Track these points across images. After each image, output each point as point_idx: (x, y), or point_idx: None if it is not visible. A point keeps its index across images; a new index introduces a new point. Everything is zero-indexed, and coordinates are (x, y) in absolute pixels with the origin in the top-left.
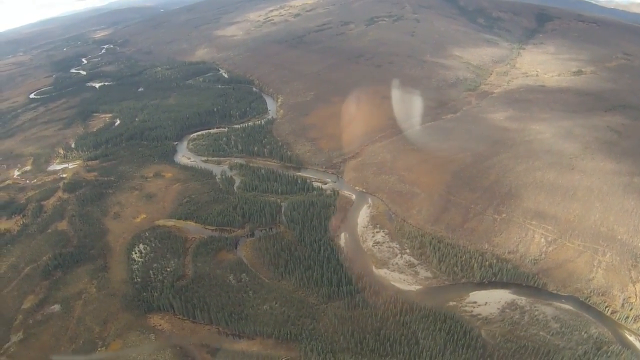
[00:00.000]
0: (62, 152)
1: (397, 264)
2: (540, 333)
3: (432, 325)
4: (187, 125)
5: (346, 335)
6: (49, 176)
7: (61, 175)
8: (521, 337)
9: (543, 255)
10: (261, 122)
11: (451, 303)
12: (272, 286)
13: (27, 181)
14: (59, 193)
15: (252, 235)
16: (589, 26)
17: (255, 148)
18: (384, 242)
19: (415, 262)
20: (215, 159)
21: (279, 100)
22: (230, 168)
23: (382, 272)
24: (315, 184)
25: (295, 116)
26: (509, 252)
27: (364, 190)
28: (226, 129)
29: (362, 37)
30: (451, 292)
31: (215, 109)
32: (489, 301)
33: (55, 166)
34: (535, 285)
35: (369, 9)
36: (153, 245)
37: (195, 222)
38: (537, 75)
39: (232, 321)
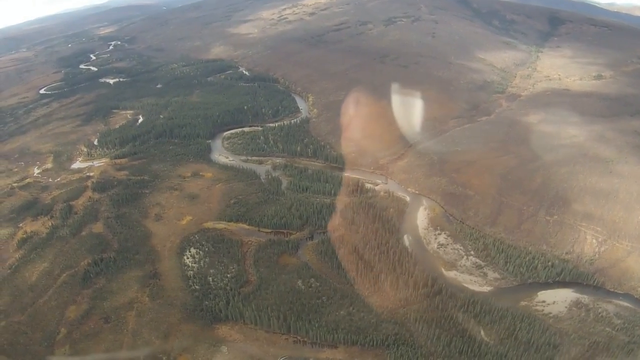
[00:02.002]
0: (85, 150)
1: (464, 265)
2: (606, 329)
3: (511, 325)
4: (219, 123)
5: (432, 338)
6: (74, 174)
7: (88, 174)
8: (590, 333)
9: (597, 256)
10: (296, 121)
11: (522, 303)
12: (345, 291)
13: (50, 179)
14: (89, 193)
15: (312, 238)
16: (601, 30)
17: (298, 148)
18: (447, 244)
19: (482, 263)
20: (256, 158)
21: (309, 100)
22: (274, 168)
23: (452, 274)
24: (368, 185)
25: (331, 116)
26: (566, 253)
27: (417, 192)
28: (261, 128)
29: (383, 37)
30: (520, 292)
31: (245, 107)
32: (556, 300)
33: (79, 164)
34: (595, 284)
35: (385, 9)
36: (206, 249)
37: (249, 225)
38: (559, 79)
39: (312, 329)
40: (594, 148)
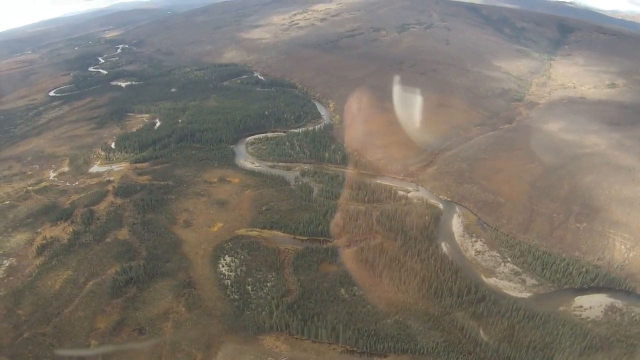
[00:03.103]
0: (102, 153)
1: (503, 272)
2: None
3: (554, 330)
4: (241, 128)
5: (480, 345)
6: (93, 178)
7: (108, 178)
8: (627, 336)
9: (626, 261)
10: (320, 127)
11: (561, 308)
12: (389, 299)
13: (67, 183)
14: (110, 197)
15: (349, 246)
16: (610, 38)
17: (326, 154)
18: (484, 251)
19: (520, 270)
20: (283, 164)
21: (330, 106)
22: (302, 174)
23: (492, 281)
24: (400, 193)
25: (355, 122)
26: (597, 259)
27: (449, 199)
28: (284, 134)
29: (397, 44)
30: (558, 298)
31: (266, 112)
32: (592, 305)
33: (98, 168)
34: (627, 289)
35: (396, 15)
36: (242, 257)
37: (283, 232)
38: (574, 87)
39: (362, 338)
40: (615, 156)
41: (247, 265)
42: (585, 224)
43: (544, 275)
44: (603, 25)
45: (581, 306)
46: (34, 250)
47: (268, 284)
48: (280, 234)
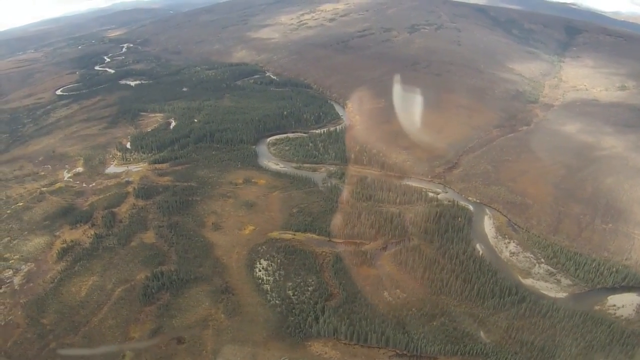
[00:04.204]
0: (118, 153)
1: (538, 273)
2: None
3: (592, 328)
4: (261, 128)
5: (527, 345)
6: (111, 179)
7: (126, 179)
8: None
9: None
10: (341, 127)
11: (596, 307)
12: (433, 301)
13: (84, 184)
14: (131, 199)
15: (385, 248)
16: (617, 40)
17: (352, 155)
18: (518, 253)
19: (554, 270)
20: (308, 165)
21: (348, 106)
22: (329, 176)
23: (529, 282)
24: (430, 194)
25: (376, 123)
26: (625, 259)
27: (478, 201)
28: (305, 134)
29: (409, 45)
30: (592, 297)
31: (284, 113)
32: (624, 304)
33: (114, 168)
34: None
35: (405, 15)
36: (278, 261)
37: (318, 235)
38: (586, 89)
39: (412, 341)
40: (632, 158)
41: (285, 269)
42: (610, 225)
43: (577, 276)
44: (608, 27)
45: (614, 305)
46: (54, 255)
47: (309, 288)
48: (315, 236)
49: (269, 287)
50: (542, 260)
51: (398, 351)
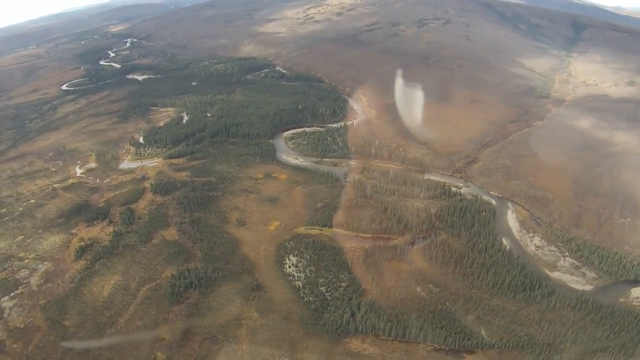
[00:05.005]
0: (131, 148)
1: (564, 266)
2: None
3: (620, 320)
4: (277, 122)
5: (560, 336)
6: (125, 175)
7: (142, 175)
8: None
9: None
10: (358, 122)
11: (621, 299)
12: (467, 295)
13: (98, 180)
14: (149, 195)
15: (413, 243)
16: (623, 35)
17: (372, 150)
18: (543, 246)
19: (578, 264)
20: (328, 159)
21: (363, 101)
22: (350, 170)
23: (556, 275)
24: (453, 189)
25: (392, 118)
26: None
27: (500, 195)
28: (322, 129)
29: (418, 39)
30: (616, 290)
31: (299, 107)
32: None
33: (129, 163)
34: None
35: (412, 10)
36: (308, 257)
37: (345, 230)
38: (596, 84)
39: (450, 336)
40: None
41: (315, 265)
42: (629, 219)
43: (601, 269)
44: (614, 23)
45: (638, 297)
46: (72, 254)
47: (342, 284)
48: (342, 231)
49: (300, 284)
50: (567, 253)
51: (436, 345)
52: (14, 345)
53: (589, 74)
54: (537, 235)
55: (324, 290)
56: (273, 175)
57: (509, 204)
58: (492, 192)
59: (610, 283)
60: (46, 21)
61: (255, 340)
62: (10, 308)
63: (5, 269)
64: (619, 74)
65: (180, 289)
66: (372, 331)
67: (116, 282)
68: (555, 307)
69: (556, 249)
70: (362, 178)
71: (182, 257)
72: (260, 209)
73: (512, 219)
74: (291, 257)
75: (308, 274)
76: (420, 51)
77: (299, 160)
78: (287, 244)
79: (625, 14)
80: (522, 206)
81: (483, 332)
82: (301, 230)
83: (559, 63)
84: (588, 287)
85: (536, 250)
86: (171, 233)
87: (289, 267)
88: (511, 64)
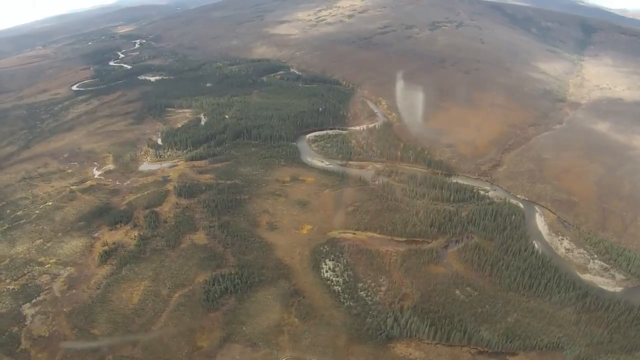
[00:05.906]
0: (150, 150)
1: (594, 268)
2: None
3: None
4: (299, 124)
5: (596, 337)
6: (146, 177)
7: (164, 177)
8: None
9: None
10: (380, 124)
11: None
12: (504, 298)
13: (117, 182)
14: (173, 198)
15: (447, 246)
16: (632, 39)
17: (399, 153)
18: (573, 249)
19: (607, 266)
20: (355, 162)
21: (383, 104)
22: (378, 173)
23: (587, 277)
24: (481, 192)
25: (413, 121)
26: None
27: (527, 199)
28: (345, 131)
29: (433, 42)
30: None
31: (320, 109)
32: None
33: (149, 165)
34: None
35: (424, 12)
36: (344, 261)
37: (380, 233)
38: (609, 88)
39: (493, 339)
40: None
41: (352, 270)
42: None
43: (629, 271)
44: (622, 26)
45: None
46: (96, 258)
47: (382, 289)
48: (376, 235)
49: (339, 289)
50: (595, 256)
51: (480, 348)
52: (39, 355)
53: (602, 77)
54: (566, 238)
55: (364, 295)
56: (300, 178)
57: (536, 207)
58: (518, 196)
59: (638, 284)
60: (51, 22)
61: (298, 347)
62: (33, 315)
63: (24, 274)
64: (631, 78)
65: (216, 295)
66: (415, 335)
67: (146, 288)
68: (590, 309)
69: (585, 252)
70: (390, 181)
71: (214, 262)
72: (290, 213)
73: (540, 222)
74: (327, 261)
75: (346, 279)
76: (436, 54)
77: (324, 163)
78: (322, 248)
79: (630, 17)
80: (548, 209)
81: (523, 334)
82: (334, 234)
83: (572, 66)
84: (618, 289)
85: (566, 252)
86: (200, 237)
87: (326, 271)
88: (526, 67)
